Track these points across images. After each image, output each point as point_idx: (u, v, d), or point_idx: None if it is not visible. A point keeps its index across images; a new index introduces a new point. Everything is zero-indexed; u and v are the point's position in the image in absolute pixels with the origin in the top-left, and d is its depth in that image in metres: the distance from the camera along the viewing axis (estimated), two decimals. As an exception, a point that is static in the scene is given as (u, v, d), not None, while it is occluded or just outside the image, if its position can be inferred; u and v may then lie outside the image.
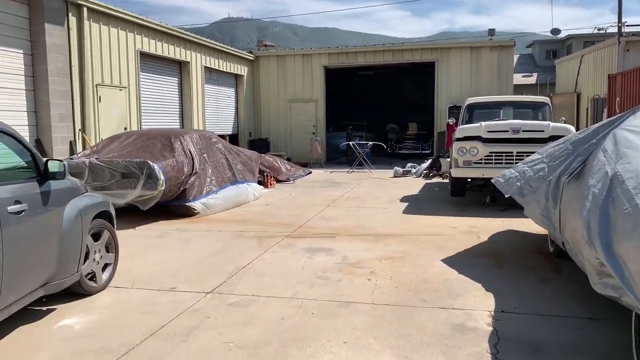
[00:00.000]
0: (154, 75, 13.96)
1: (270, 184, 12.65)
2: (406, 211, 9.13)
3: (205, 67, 16.31)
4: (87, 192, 4.87)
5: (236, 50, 18.74)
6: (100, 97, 11.40)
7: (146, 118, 13.35)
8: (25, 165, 4.06)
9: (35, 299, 4.02)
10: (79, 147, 10.62)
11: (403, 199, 10.52)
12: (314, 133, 19.51)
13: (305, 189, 12.36)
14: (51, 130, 9.99)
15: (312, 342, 3.74)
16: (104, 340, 3.77)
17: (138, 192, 7.82)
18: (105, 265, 4.99)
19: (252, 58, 19.66)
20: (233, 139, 18.62)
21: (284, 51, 20.87)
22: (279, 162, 14.11)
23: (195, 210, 8.68)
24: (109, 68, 11.77)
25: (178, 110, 15.18)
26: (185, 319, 4.18)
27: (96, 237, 4.84)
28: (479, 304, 4.47)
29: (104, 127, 11.46)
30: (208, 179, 9.08)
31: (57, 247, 4.10)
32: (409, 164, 16.11)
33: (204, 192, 8.88)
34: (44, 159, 4.10)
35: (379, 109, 28.23)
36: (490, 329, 3.96)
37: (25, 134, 9.81)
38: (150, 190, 7.82)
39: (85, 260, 4.63)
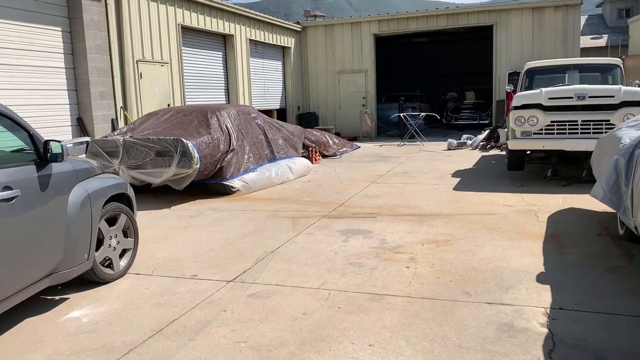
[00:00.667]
0: (197, 50, 13.70)
1: (316, 160, 12.19)
2: (457, 188, 8.45)
3: (250, 40, 15.90)
4: (101, 173, 4.57)
5: (282, 21, 18.20)
6: (141, 73, 11.24)
7: (190, 94, 13.16)
8: (22, 147, 3.77)
9: (42, 289, 3.77)
10: (121, 125, 10.53)
11: (455, 174, 9.80)
12: (363, 105, 18.82)
13: (351, 164, 11.83)
14: (92, 109, 9.91)
15: (333, 343, 3.28)
16: (108, 337, 3.47)
17: (173, 171, 7.56)
18: (124, 252, 4.72)
19: (299, 29, 19.07)
20: (281, 113, 18.26)
21: (332, 20, 20.10)
22: (326, 136, 13.62)
23: (233, 188, 8.37)
24: (150, 44, 11.57)
25: (223, 85, 14.92)
26: (199, 312, 3.83)
27: (112, 221, 4.55)
28: (532, 299, 3.86)
29: (146, 104, 11.32)
30: (246, 156, 8.73)
31: (63, 235, 3.82)
32: (465, 136, 15.20)
33: (242, 169, 8.53)
34: (44, 140, 3.78)
35: (434, 77, 27.05)
36: (545, 330, 3.36)
37: (66, 112, 9.79)
38: (185, 169, 7.54)
39: (99, 247, 4.36)
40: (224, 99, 14.94)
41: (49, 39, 9.41)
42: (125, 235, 4.75)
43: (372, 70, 18.75)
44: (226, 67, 14.99)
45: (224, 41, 14.90)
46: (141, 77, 11.25)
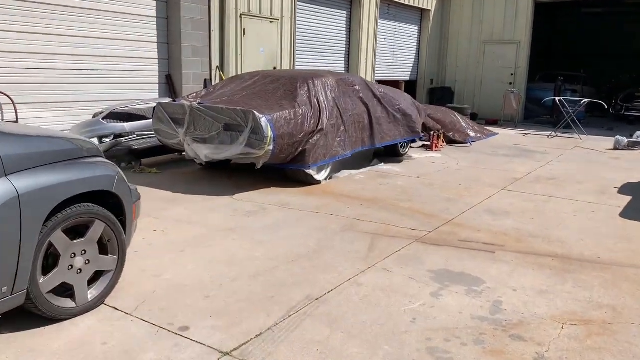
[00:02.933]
0: (316, 7, 12.01)
1: (437, 146, 10.03)
2: (627, 214, 5.89)
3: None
4: (83, 157, 3.12)
5: (424, -21, 15.80)
6: (244, 29, 9.87)
7: (301, 58, 11.60)
8: None
9: None
10: (215, 87, 9.29)
11: (624, 189, 7.12)
12: (510, 83, 15.88)
13: (481, 156, 9.48)
14: (182, 66, 8.76)
15: None
16: None
17: (239, 150, 6.05)
18: (99, 275, 3.27)
19: (443, -10, 16.51)
20: (410, 86, 16.07)
21: (485, -19, 17.15)
22: (455, 116, 11.31)
23: (316, 178, 6.68)
24: (258, -4, 10.13)
25: (343, 50, 13.14)
26: None
27: (77, 232, 3.11)
28: None
29: (247, 65, 9.97)
30: (338, 139, 6.95)
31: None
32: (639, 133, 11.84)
33: (330, 155, 6.78)
34: None
35: (603, 57, 22.65)
36: None
37: (154, 68, 8.76)
38: (254, 149, 5.99)
39: (49, 271, 2.95)
40: (343, 67, 13.18)
41: (141, -16, 8.34)
42: (105, 250, 3.29)
43: (527, 42, 15.65)
44: (349, 28, 13.15)
45: (351, -1, 13.04)
46: (244, 34, 9.88)
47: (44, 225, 2.86)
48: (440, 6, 16.55)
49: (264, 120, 5.96)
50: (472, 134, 11.30)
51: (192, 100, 6.85)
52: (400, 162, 8.57)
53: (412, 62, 16.20)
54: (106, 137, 7.38)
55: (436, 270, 4.05)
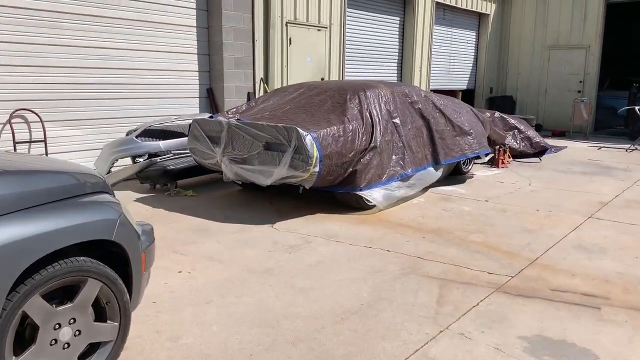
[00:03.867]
0: (367, 13, 11.22)
1: (503, 162, 8.98)
2: None
3: (437, 3, 12.90)
4: (82, 194, 2.43)
5: (482, -18, 14.75)
6: (290, 38, 9.18)
7: (351, 67, 10.82)
8: None
9: None
10: (259, 101, 8.63)
11: None
12: (579, 91, 14.54)
13: (554, 174, 8.37)
14: (224, 78, 8.15)
15: None
16: None
17: (282, 172, 5.30)
18: (94, 347, 2.55)
19: (503, -8, 15.39)
20: (467, 95, 15.00)
21: (549, -18, 15.90)
22: (522, 126, 10.19)
23: (370, 202, 5.85)
24: (305, 2, 9.43)
25: (396, 58, 12.27)
26: None
27: (64, 295, 2.40)
28: None
29: (293, 76, 9.28)
30: (395, 157, 6.09)
31: None
32: None
33: (386, 175, 5.93)
34: None
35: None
36: None
37: (194, 81, 8.18)
38: (298, 171, 5.22)
39: (25, 349, 2.25)
40: (395, 76, 12.31)
41: (180, -8, 7.79)
42: (102, 315, 2.57)
43: (597, 47, 14.29)
44: (402, 35, 12.27)
45: (403, 4, 12.17)
46: (290, 43, 9.20)
47: (13, 292, 2.16)
48: (500, 10, 15.43)
49: (308, 139, 5.19)
50: (541, 147, 10.14)
51: (231, 116, 6.17)
52: (463, 181, 7.61)
53: (470, 70, 15.12)
54: (140, 156, 6.81)
55: (530, 336, 3.11)
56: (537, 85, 15.34)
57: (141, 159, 6.74)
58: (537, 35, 15.21)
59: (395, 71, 12.29)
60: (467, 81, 15.12)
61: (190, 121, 7.02)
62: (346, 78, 10.50)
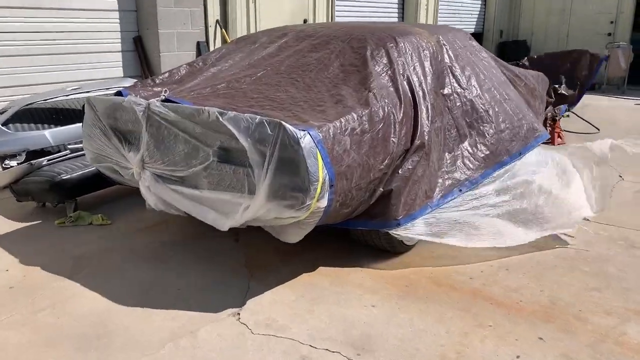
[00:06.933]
0: None
1: (560, 136, 6.56)
2: None
3: None
4: None
5: None
6: (258, -39, 6.31)
7: (342, 7, 8.02)
8: None
9: None
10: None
11: None
12: (609, 34, 12.03)
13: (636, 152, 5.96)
14: (158, 22, 5.33)
15: None
16: None
17: (256, 208, 2.68)
18: None
19: None
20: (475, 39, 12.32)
21: None
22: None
23: (407, 243, 3.33)
24: None
25: (396, -7, 9.49)
26: None
27: None
28: None
29: (264, 19, 6.48)
30: (448, 156, 3.51)
31: None
32: None
33: (438, 190, 3.36)
34: None
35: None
36: None
37: (113, 26, 5.35)
38: (287, 207, 2.61)
39: None
40: (396, 16, 9.55)
41: None
42: None
43: (633, -22, 11.73)
44: (405, -37, 9.46)
45: None
46: (258, -31, 6.34)
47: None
48: None
49: (307, 143, 2.56)
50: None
51: (157, 89, 3.45)
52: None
53: (478, 9, 12.42)
54: (13, 155, 4.09)
55: None
56: (556, 28, 12.76)
57: (13, 163, 4.01)
58: (558, -35, 12.50)
59: (396, 11, 9.51)
60: (475, 23, 12.44)
61: (101, 91, 4.33)
62: (337, 20, 7.73)
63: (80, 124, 4.21)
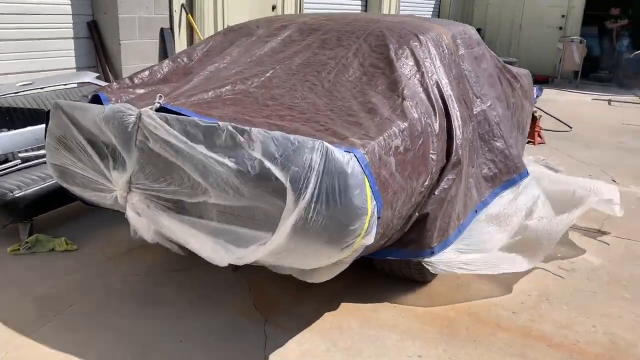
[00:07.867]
0: None
1: (540, 135, 6.43)
2: None
3: None
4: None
5: None
6: (226, -62, 5.66)
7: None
8: None
9: None
10: (182, 44, 5.22)
11: None
12: (560, 28, 12.17)
13: (613, 153, 5.91)
14: (117, 5, 4.61)
15: None
16: None
17: (273, 248, 2.16)
18: None
19: None
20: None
21: None
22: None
23: (433, 271, 2.95)
24: None
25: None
26: None
27: None
28: None
29: (232, 4, 5.86)
30: (474, 171, 3.15)
31: None
32: None
33: (463, 216, 2.98)
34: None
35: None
36: None
37: (64, 8, 4.58)
38: (329, 249, 2.13)
39: None
40: (359, 5, 9.13)
41: None
42: None
43: (582, -28, 11.90)
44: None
45: None
46: (226, -53, 5.69)
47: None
48: None
49: (353, 170, 2.08)
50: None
51: (137, 90, 2.83)
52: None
53: (433, -2, 12.25)
54: (-52, 168, 3.34)
55: None
56: (510, 19, 12.80)
57: (-51, 176, 3.27)
58: (512, -44, 12.50)
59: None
60: (431, 10, 12.24)
61: (58, 86, 3.66)
62: (305, 11, 7.18)
63: (34, 127, 3.52)
